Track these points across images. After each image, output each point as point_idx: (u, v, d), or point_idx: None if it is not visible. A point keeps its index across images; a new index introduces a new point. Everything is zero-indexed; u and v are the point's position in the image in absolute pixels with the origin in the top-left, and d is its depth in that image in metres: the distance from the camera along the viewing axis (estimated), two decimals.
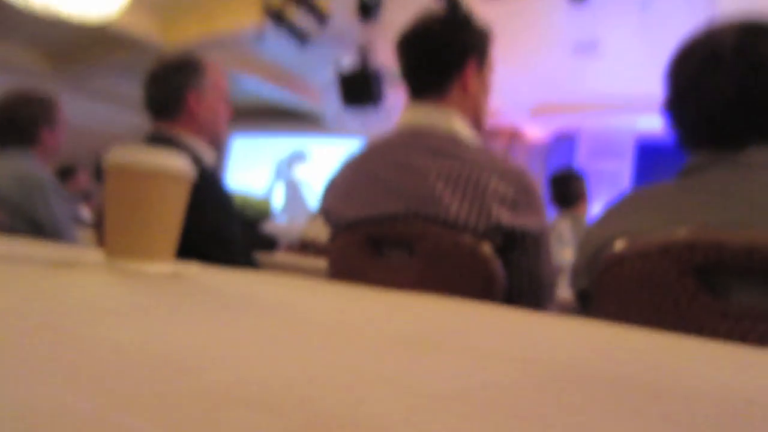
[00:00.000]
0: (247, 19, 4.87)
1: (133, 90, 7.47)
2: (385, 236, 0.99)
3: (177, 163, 0.59)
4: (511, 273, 0.95)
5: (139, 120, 8.43)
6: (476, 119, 1.13)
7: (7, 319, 0.27)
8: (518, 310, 0.57)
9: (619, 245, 0.78)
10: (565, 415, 0.20)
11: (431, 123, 1.05)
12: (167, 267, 0.60)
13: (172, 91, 1.38)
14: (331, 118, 5.72)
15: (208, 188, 1.24)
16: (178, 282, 0.54)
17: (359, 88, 4.41)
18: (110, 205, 0.59)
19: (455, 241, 0.92)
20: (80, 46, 6.38)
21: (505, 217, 0.92)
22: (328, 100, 5.54)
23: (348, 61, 4.87)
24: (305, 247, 2.86)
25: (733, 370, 0.33)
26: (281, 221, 7.62)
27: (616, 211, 0.88)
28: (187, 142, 1.37)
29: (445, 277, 0.93)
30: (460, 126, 1.05)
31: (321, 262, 1.72)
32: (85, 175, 4.99)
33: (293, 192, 8.21)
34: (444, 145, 0.99)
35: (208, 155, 1.40)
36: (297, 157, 8.22)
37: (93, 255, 0.71)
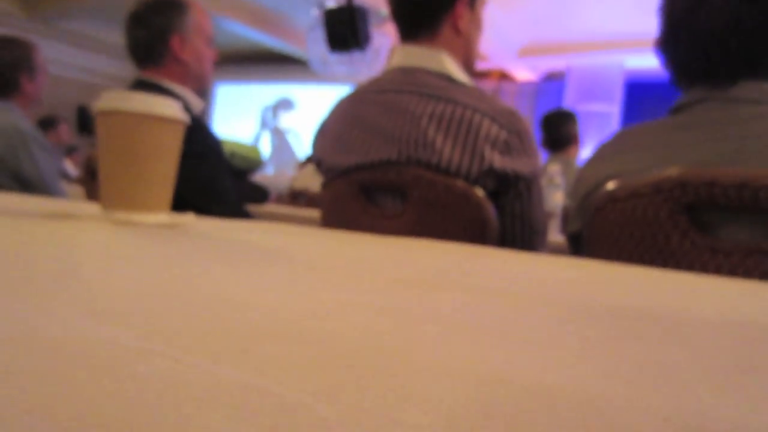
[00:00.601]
0: None
1: (111, 35, 7.25)
2: (378, 183, 0.99)
3: (171, 108, 0.59)
4: (503, 217, 0.97)
5: (119, 68, 8.15)
6: (467, 60, 1.11)
7: (24, 267, 0.28)
8: (515, 252, 0.58)
9: (611, 186, 0.79)
10: (574, 341, 0.22)
11: (422, 65, 1.03)
12: (164, 217, 0.60)
13: (154, 34, 1.35)
14: (316, 63, 5.58)
15: (197, 138, 1.23)
16: (178, 232, 0.54)
17: (344, 30, 4.28)
18: (103, 153, 0.59)
19: (448, 186, 0.92)
20: None
21: (497, 160, 0.92)
22: (314, 44, 5.39)
23: (333, 1, 4.71)
24: (295, 197, 2.86)
25: (725, 299, 0.35)
26: (268, 171, 7.58)
27: (607, 151, 0.89)
28: (175, 90, 1.35)
29: (439, 222, 0.94)
30: (451, 67, 1.04)
31: (312, 212, 1.73)
32: (66, 127, 4.87)
33: (280, 140, 8.12)
34: (436, 87, 0.98)
35: (195, 103, 1.38)
36: (283, 105, 8.08)
37: (87, 207, 0.71)
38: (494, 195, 0.95)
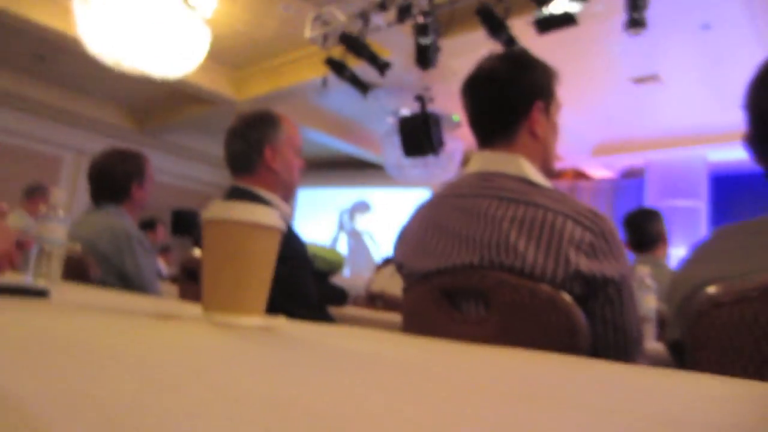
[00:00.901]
0: (311, 72, 5.14)
1: (207, 146, 7.97)
2: (460, 288, 0.98)
3: (271, 217, 0.63)
4: (594, 324, 0.92)
5: (210, 174, 8.82)
6: (545, 163, 1.12)
7: (148, 370, 0.30)
8: (617, 364, 0.55)
9: (713, 290, 0.75)
10: None
11: (500, 169, 1.05)
12: (259, 320, 0.63)
13: (250, 146, 1.47)
14: (391, 167, 5.82)
15: (287, 243, 1.29)
16: (272, 335, 0.56)
17: (419, 136, 4.47)
18: (208, 259, 0.63)
19: (533, 290, 0.89)
20: (160, 104, 6.88)
21: (583, 263, 0.89)
22: (389, 150, 5.65)
23: (407, 109, 4.98)
24: (372, 299, 2.87)
25: None
26: (345, 273, 7.72)
27: (705, 252, 0.84)
28: (266, 197, 1.44)
29: (525, 329, 0.91)
30: (530, 170, 1.04)
31: (391, 316, 1.72)
32: (163, 229, 5.25)
33: (356, 243, 8.32)
34: (515, 190, 0.99)
35: (284, 210, 1.46)
36: (359, 208, 8.38)
37: (189, 308, 0.75)
38: (582, 300, 0.91)
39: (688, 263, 0.86)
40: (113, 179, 1.84)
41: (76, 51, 4.64)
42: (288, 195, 1.54)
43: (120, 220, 1.79)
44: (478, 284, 0.95)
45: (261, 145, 1.47)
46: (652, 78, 4.92)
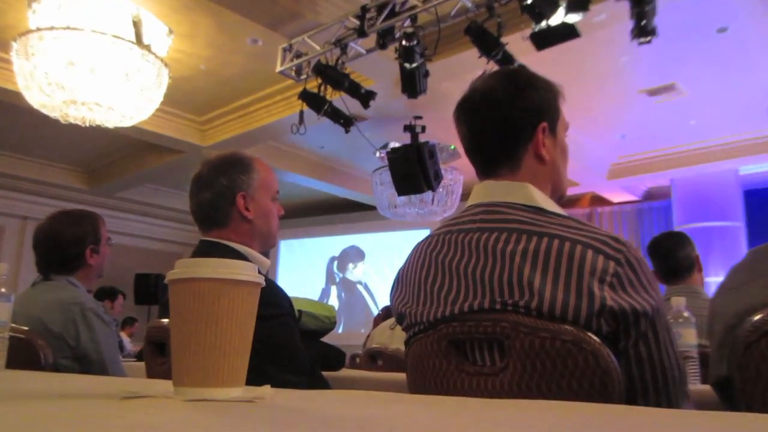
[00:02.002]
0: (285, 109, 5.21)
1: (170, 200, 8.00)
2: (470, 336, 0.98)
3: (246, 271, 0.63)
4: (628, 366, 0.91)
5: (178, 233, 8.83)
6: (556, 188, 1.13)
7: None
8: (658, 410, 0.55)
9: (761, 316, 0.75)
10: None
11: (506, 199, 1.06)
12: (239, 392, 0.62)
13: (219, 195, 1.48)
14: (384, 207, 5.86)
15: (268, 298, 1.29)
16: (257, 408, 0.55)
17: (412, 171, 4.49)
18: (176, 325, 0.63)
19: (554, 332, 0.89)
20: (113, 158, 6.92)
21: (609, 297, 0.89)
22: (380, 188, 5.71)
23: (397, 142, 5.04)
24: (373, 358, 2.84)
25: None
26: (338, 330, 7.66)
27: (742, 277, 0.85)
28: (240, 250, 1.44)
29: (547, 377, 0.90)
30: (539, 197, 1.05)
31: (396, 375, 1.70)
32: (124, 298, 5.20)
33: (350, 295, 8.30)
34: (525, 220, 0.99)
35: (262, 262, 1.46)
36: (351, 255, 8.41)
37: (156, 385, 0.73)
38: (611, 340, 0.90)
39: (726, 290, 0.86)
40: (63, 245, 1.82)
41: (15, 107, 4.68)
42: (266, 246, 1.54)
43: (72, 291, 1.77)
44: (491, 330, 0.94)
45: (231, 193, 1.48)
46: (667, 88, 4.99)
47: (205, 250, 1.46)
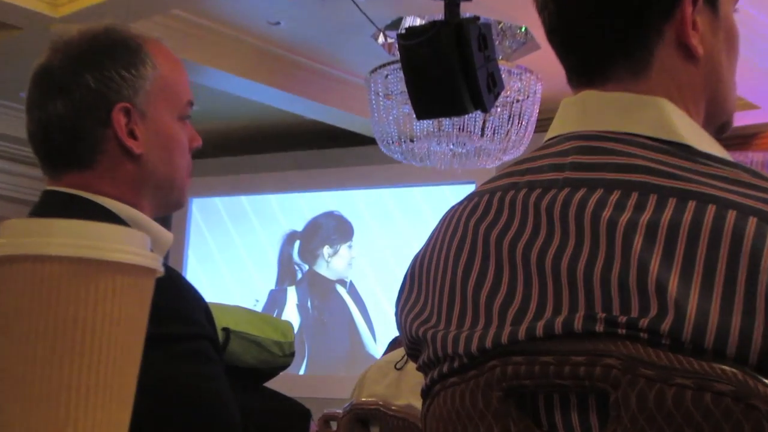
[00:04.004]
0: None
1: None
2: (546, 382, 0.99)
3: (128, 246, 0.63)
4: None
5: (6, 178, 8.89)
6: (714, 111, 1.15)
7: None
8: None
9: None
10: None
11: (621, 127, 1.07)
12: None
13: (82, 108, 1.49)
14: (389, 141, 5.83)
15: (169, 307, 1.29)
16: None
17: (446, 74, 4.43)
18: None
19: (703, 379, 0.90)
20: None
21: None
22: (385, 108, 5.68)
23: (418, 17, 4.97)
24: (362, 422, 2.84)
25: None
26: (295, 368, 7.70)
27: None
28: (118, 211, 1.45)
29: None
30: (682, 125, 1.07)
31: None
32: None
33: (321, 304, 8.31)
34: (656, 168, 1.01)
35: (159, 235, 1.47)
36: (326, 230, 8.37)
37: None
38: None
39: None
40: None
41: None
42: (167, 207, 1.57)
43: None
44: (585, 372, 0.95)
45: (104, 103, 1.49)
46: None
47: (53, 208, 1.47)
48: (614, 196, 0.99)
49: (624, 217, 0.97)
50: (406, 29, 4.48)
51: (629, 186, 0.99)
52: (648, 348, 0.93)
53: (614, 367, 0.93)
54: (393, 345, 4.12)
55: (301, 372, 7.93)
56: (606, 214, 0.98)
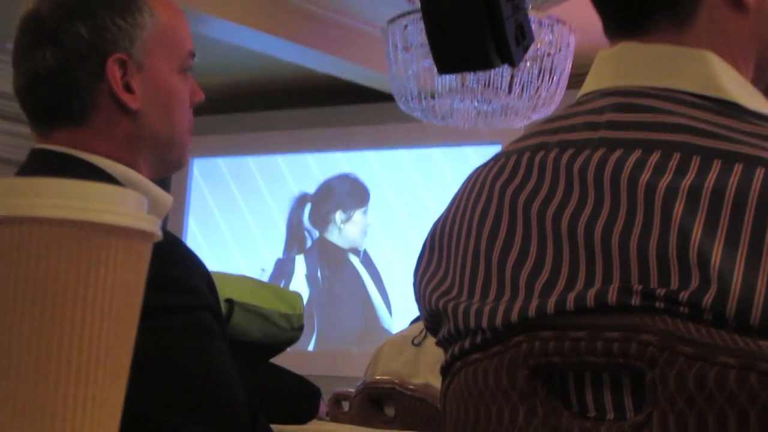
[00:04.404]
0: None
1: None
2: (576, 359, 0.99)
3: (123, 208, 0.63)
4: None
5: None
6: (764, 66, 1.15)
7: None
8: None
9: None
10: None
11: (662, 82, 1.07)
12: None
13: (73, 58, 1.49)
14: (407, 97, 5.81)
15: (168, 276, 1.30)
16: None
17: (469, 23, 4.44)
18: None
19: (748, 357, 0.90)
20: None
21: None
22: (402, 61, 5.65)
23: None
24: (376, 402, 2.85)
25: None
26: (307, 344, 7.73)
27: None
28: (113, 174, 1.45)
29: None
30: (728, 80, 1.06)
31: None
32: None
33: (332, 274, 8.33)
34: (700, 128, 1.00)
35: (156, 199, 1.47)
36: (339, 194, 8.36)
37: None
38: None
39: None
40: None
41: None
42: (166, 168, 1.58)
43: None
44: (619, 349, 0.96)
45: (97, 54, 1.49)
46: None
47: (42, 167, 1.47)
48: (653, 158, 0.99)
49: (664, 181, 0.97)
50: None
51: (670, 147, 0.99)
52: (688, 323, 0.93)
53: (651, 344, 0.93)
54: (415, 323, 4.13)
55: (310, 348, 7.96)
56: (644, 177, 0.98)
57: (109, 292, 0.63)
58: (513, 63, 4.90)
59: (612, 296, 0.96)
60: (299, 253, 8.49)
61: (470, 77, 5.24)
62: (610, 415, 0.98)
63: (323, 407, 2.64)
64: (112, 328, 0.63)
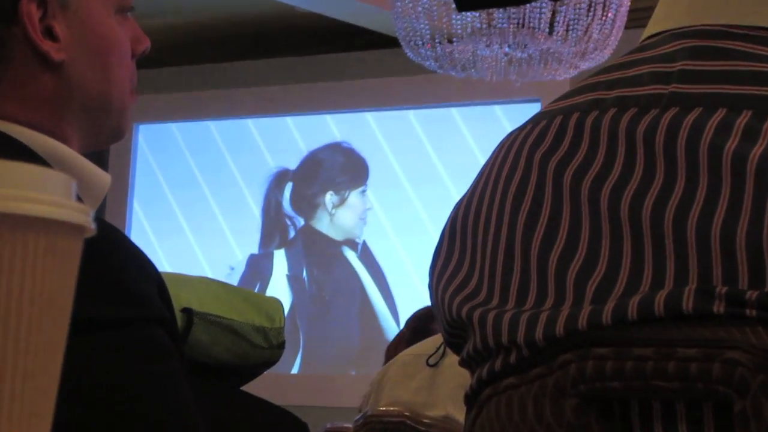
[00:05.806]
0: None
1: None
2: (641, 386, 1.00)
3: (45, 194, 0.63)
4: None
5: None
6: None
7: None
8: None
9: None
10: None
11: (750, 21, 1.08)
12: None
13: None
14: (415, 42, 5.82)
15: (106, 280, 1.30)
16: None
17: None
18: None
19: None
20: None
21: None
22: None
23: None
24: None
25: None
26: (286, 365, 7.77)
27: None
28: (34, 149, 1.45)
29: None
30: None
31: None
32: None
33: (322, 273, 8.36)
34: None
35: (90, 179, 1.48)
36: (329, 169, 8.38)
37: None
38: None
39: None
40: None
41: None
42: (100, 134, 1.58)
43: None
44: (698, 371, 0.96)
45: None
46: None
47: None
48: (742, 120, 0.99)
49: (756, 150, 0.97)
50: None
51: (764, 104, 0.98)
52: None
53: (740, 364, 0.93)
54: (414, 321, 4.14)
55: (294, 370, 8.01)
56: (730, 145, 0.98)
57: (27, 302, 0.63)
58: None
59: (688, 301, 0.96)
60: (279, 246, 8.53)
61: (498, 15, 5.23)
62: None
63: None
64: (32, 348, 0.64)
